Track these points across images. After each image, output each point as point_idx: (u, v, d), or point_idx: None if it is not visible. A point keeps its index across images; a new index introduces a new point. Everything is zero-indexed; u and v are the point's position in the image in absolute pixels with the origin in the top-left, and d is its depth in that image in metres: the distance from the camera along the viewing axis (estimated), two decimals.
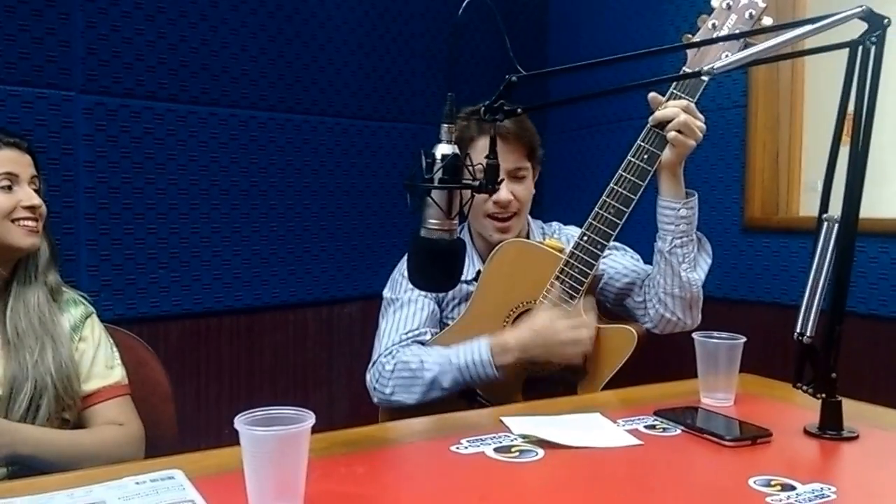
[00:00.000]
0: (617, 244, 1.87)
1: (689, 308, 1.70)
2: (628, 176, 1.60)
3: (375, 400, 1.75)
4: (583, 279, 1.62)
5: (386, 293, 1.87)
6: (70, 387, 1.41)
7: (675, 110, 1.56)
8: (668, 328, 1.73)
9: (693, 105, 1.59)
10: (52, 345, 1.41)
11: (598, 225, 1.61)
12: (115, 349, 1.53)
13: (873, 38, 1.15)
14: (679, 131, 1.56)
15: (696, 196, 1.67)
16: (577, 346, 1.61)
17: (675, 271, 1.66)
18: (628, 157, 1.61)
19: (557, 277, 1.64)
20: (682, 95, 1.60)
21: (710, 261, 1.74)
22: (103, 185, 2.11)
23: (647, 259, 1.79)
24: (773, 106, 2.27)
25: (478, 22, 2.54)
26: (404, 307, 1.79)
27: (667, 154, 1.60)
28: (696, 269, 1.70)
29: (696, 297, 1.70)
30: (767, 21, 1.53)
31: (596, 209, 1.62)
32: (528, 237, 1.88)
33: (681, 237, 1.65)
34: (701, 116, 1.60)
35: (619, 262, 1.82)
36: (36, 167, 1.47)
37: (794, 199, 2.30)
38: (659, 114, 1.58)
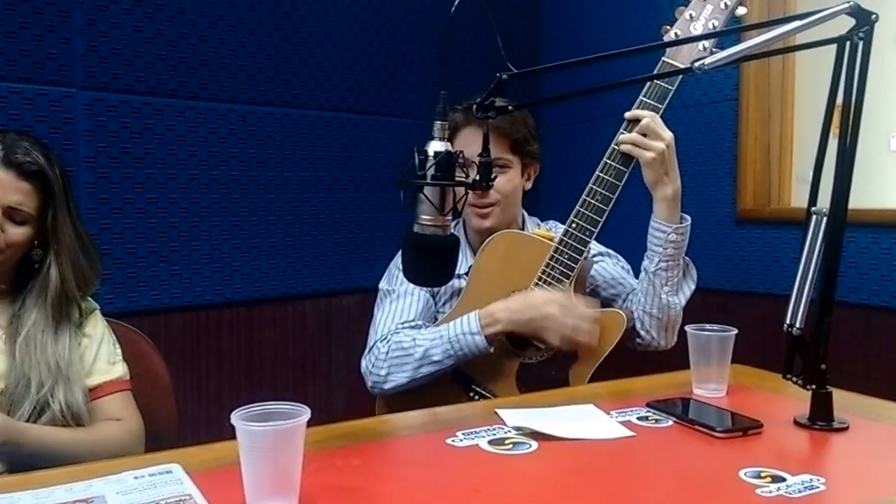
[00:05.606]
0: (610, 251, 1.91)
1: (665, 329, 1.71)
2: (612, 163, 1.64)
3: (370, 384, 1.76)
4: (572, 265, 1.65)
5: (382, 285, 1.89)
6: (79, 419, 1.39)
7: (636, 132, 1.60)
8: (641, 346, 1.74)
9: (653, 121, 1.60)
10: (64, 384, 1.38)
11: (586, 212, 1.65)
12: (117, 345, 1.53)
13: (861, 34, 1.16)
14: (634, 144, 1.61)
15: (689, 221, 1.67)
16: (560, 326, 1.60)
17: (656, 292, 1.68)
18: (612, 145, 1.65)
19: (548, 264, 1.67)
20: (651, 102, 1.62)
21: (693, 286, 1.74)
22: (104, 179, 2.12)
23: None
24: (764, 99, 2.28)
25: (472, 18, 2.55)
26: (400, 298, 1.81)
27: (644, 172, 1.64)
28: (679, 293, 1.71)
29: (673, 320, 1.71)
30: (742, 11, 1.55)
31: (583, 196, 1.65)
32: (522, 231, 1.90)
33: (667, 260, 1.66)
34: (663, 131, 1.61)
35: (609, 270, 1.84)
36: (40, 195, 1.39)
37: (785, 191, 2.31)
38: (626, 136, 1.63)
